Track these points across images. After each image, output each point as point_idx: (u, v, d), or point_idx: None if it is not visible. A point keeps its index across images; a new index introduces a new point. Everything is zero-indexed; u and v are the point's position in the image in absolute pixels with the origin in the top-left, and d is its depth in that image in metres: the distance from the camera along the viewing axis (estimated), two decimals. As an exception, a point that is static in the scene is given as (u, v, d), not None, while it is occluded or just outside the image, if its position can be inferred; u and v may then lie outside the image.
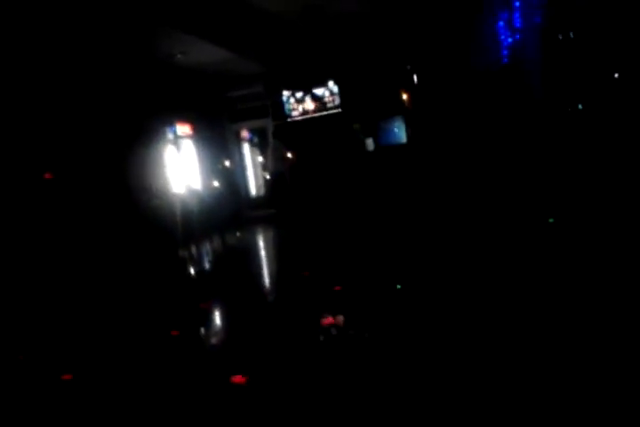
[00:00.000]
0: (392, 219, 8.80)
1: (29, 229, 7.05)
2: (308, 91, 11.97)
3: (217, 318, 4.85)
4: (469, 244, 5.75)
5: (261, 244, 9.75)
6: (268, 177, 12.31)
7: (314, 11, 9.47)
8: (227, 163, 12.39)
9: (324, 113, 11.98)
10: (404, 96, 11.76)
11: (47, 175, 7.54)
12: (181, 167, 10.77)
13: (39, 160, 7.52)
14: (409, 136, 11.79)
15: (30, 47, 7.30)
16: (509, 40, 9.10)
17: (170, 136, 10.39)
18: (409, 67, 11.50)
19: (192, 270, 7.54)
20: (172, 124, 10.36)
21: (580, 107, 7.64)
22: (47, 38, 7.40)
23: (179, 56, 9.38)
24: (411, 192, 10.31)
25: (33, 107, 7.44)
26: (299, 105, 12.05)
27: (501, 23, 9.36)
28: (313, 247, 7.53)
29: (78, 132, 8.16)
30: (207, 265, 7.97)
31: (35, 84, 7.50)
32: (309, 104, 12.02)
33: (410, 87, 11.65)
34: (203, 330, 4.42)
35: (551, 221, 5.75)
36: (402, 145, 11.80)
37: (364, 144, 11.95)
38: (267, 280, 6.27)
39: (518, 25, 8.53)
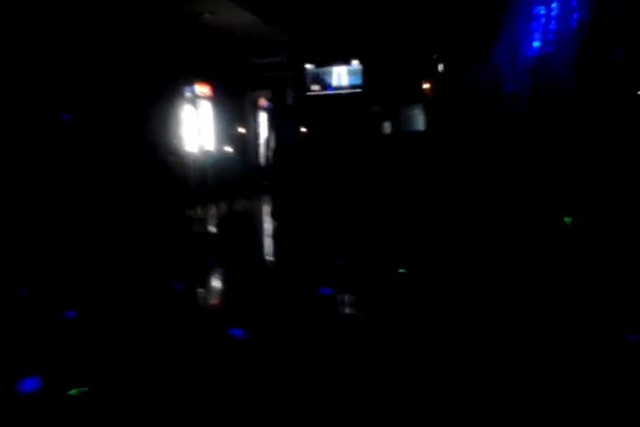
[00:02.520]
0: (402, 204, 8.80)
1: (46, 172, 7.10)
2: (330, 67, 11.89)
3: (216, 277, 4.88)
4: (481, 235, 5.77)
5: (268, 212, 9.78)
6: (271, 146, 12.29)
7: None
8: (241, 129, 12.36)
9: (345, 91, 11.90)
10: (427, 84, 11.69)
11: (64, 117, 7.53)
12: (197, 127, 10.76)
13: (59, 108, 7.54)
14: (428, 124, 11.75)
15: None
16: (542, 32, 8.95)
17: (189, 95, 10.35)
18: (435, 56, 11.41)
19: (200, 230, 7.59)
20: (192, 83, 10.31)
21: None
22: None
23: (206, 15, 9.32)
24: (424, 179, 10.28)
25: (54, 57, 7.42)
26: (319, 80, 11.97)
27: (536, 15, 9.21)
28: (319, 223, 7.58)
29: (99, 83, 8.15)
30: (214, 227, 8.00)
31: (58, 33, 7.47)
32: (331, 80, 11.93)
33: (433, 76, 11.57)
34: (201, 286, 4.48)
35: (568, 220, 5.71)
36: (419, 132, 11.77)
37: (380, 127, 11.91)
38: (269, 247, 6.34)
39: (553, 15, 8.38)
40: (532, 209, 6.48)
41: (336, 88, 11.89)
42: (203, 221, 8.47)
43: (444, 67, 11.32)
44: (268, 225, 8.26)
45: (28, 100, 6.96)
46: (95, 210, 7.44)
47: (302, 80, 11.99)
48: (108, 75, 8.34)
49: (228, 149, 11.45)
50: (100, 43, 8.23)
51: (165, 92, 9.79)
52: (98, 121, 8.07)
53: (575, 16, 7.95)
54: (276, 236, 7.03)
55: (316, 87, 11.97)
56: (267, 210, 10.01)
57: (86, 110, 7.94)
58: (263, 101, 13.14)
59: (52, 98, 7.35)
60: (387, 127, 11.81)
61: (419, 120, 11.89)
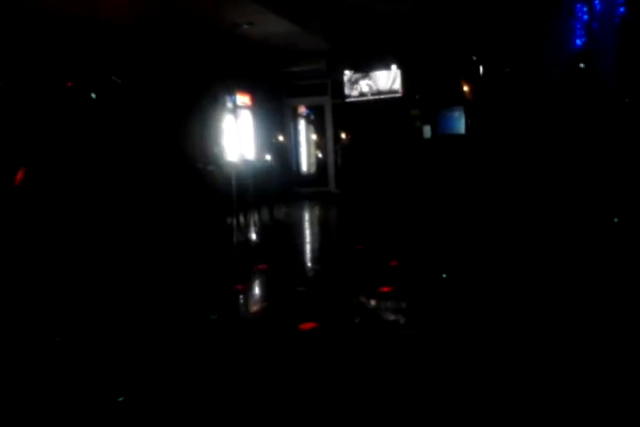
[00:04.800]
0: (447, 208, 8.72)
1: (93, 184, 7.31)
2: (369, 72, 11.85)
3: (270, 281, 4.91)
4: (526, 239, 5.65)
5: (313, 219, 9.81)
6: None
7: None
8: (281, 137, 12.43)
9: (384, 96, 11.85)
10: (467, 87, 11.54)
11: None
12: (237, 137, 10.85)
13: (104, 119, 7.77)
14: (468, 127, 11.59)
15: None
16: (584, 32, 8.73)
17: (229, 105, 10.46)
18: (475, 58, 11.25)
19: (243, 237, 7.65)
20: (232, 93, 10.42)
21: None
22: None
23: (245, 26, 9.38)
24: (468, 183, 10.15)
25: (100, 68, 7.63)
26: (359, 86, 11.95)
27: (578, 15, 8.99)
28: (367, 227, 7.56)
29: (141, 93, 8.33)
30: (256, 234, 8.05)
31: (101, 47, 7.68)
32: (370, 86, 11.90)
33: (473, 78, 11.42)
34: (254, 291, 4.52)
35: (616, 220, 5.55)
36: (460, 135, 11.62)
37: (421, 131, 11.82)
38: (319, 251, 6.38)
39: (596, 14, 8.16)
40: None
41: (375, 93, 11.85)
42: (244, 229, 8.52)
43: (484, 68, 11.16)
44: (311, 231, 8.28)
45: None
46: (136, 218, 7.63)
47: (341, 86, 12.00)
48: (151, 87, 8.52)
49: (268, 157, 11.52)
50: (143, 56, 8.43)
51: (206, 103, 9.94)
52: (141, 132, 8.25)
53: (618, 12, 7.75)
54: (322, 243, 7.04)
55: (355, 93, 11.94)
56: (307, 216, 10.04)
57: (126, 120, 8.14)
58: (302, 109, 13.19)
59: (99, 110, 7.59)
60: (427, 131, 11.70)
61: (460, 123, 11.74)
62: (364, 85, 11.87)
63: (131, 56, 8.28)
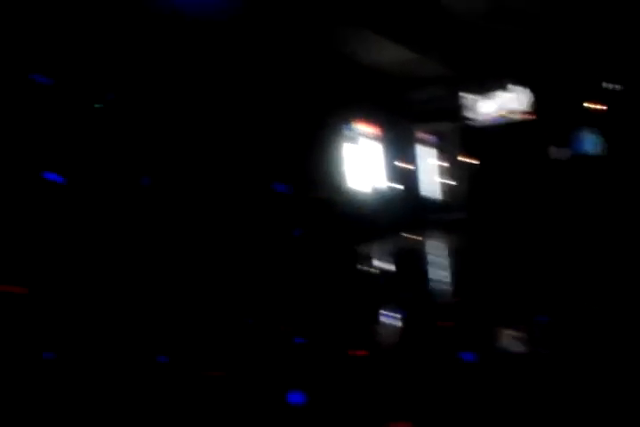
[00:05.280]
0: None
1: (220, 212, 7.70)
2: (495, 95, 11.50)
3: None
4: None
5: (440, 251, 9.42)
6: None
7: (504, 12, 9.06)
8: (403, 164, 12.32)
9: (512, 118, 11.41)
10: (603, 107, 10.80)
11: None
12: (357, 165, 10.94)
13: (229, 145, 8.18)
14: (605, 149, 10.81)
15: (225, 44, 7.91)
16: None
17: (348, 133, 10.59)
18: (609, 75, 10.54)
19: (371, 267, 7.46)
20: (350, 121, 10.56)
21: None
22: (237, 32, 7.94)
23: (362, 54, 9.53)
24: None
25: (221, 98, 8.07)
26: (485, 109, 11.63)
27: None
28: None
29: (259, 121, 8.68)
30: (385, 265, 7.82)
31: (227, 76, 8.13)
32: (496, 108, 11.54)
33: (610, 98, 10.68)
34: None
35: None
36: (598, 157, 10.85)
37: (554, 153, 11.22)
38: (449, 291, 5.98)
39: None
40: None
41: (502, 116, 11.47)
42: (371, 258, 8.39)
43: (623, 86, 10.41)
44: (439, 262, 7.98)
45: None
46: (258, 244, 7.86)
47: (466, 111, 11.74)
48: (266, 113, 8.87)
49: (391, 184, 11.47)
50: (266, 82, 8.81)
51: (328, 131, 10.14)
52: (256, 160, 8.58)
53: None
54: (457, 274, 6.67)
55: (480, 117, 11.64)
56: (436, 245, 9.74)
57: (244, 150, 8.50)
58: (425, 135, 13.02)
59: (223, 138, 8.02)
60: (558, 153, 11.05)
61: (597, 145, 10.98)
62: (491, 108, 11.54)
63: (256, 83, 8.67)
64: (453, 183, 12.45)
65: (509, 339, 3.57)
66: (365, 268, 7.42)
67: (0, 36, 5.75)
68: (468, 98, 11.59)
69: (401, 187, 11.86)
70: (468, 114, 11.67)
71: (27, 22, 5.96)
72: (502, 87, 11.34)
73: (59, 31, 6.44)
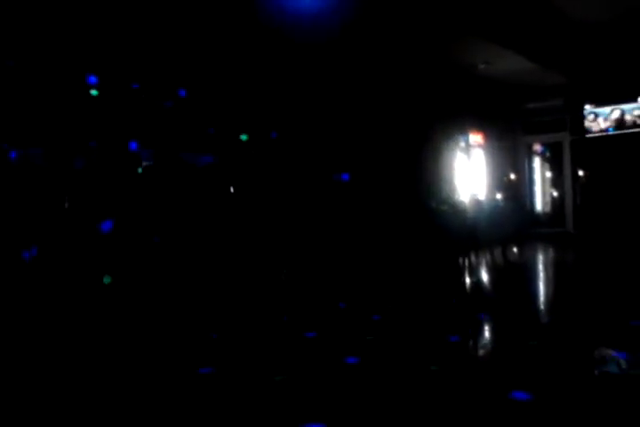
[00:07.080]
0: None
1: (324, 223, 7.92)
2: (615, 106, 11.00)
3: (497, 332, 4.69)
4: None
5: (547, 263, 9.14)
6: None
7: (628, 19, 8.69)
8: (514, 176, 12.07)
9: (633, 130, 10.86)
10: None
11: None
12: (469, 176, 10.82)
13: (337, 162, 8.38)
14: None
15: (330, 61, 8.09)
16: None
17: (462, 144, 10.51)
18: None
19: (470, 279, 7.46)
20: (465, 132, 10.48)
21: None
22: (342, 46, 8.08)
23: (481, 66, 9.42)
24: None
25: (333, 114, 8.29)
26: (602, 120, 11.14)
27: None
28: (609, 276, 6.79)
29: (376, 134, 8.81)
30: (486, 276, 7.77)
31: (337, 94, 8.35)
32: (616, 120, 11.02)
33: None
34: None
35: None
36: None
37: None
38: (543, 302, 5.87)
39: None
40: None
41: (622, 127, 10.93)
42: (475, 269, 8.31)
43: None
44: (544, 275, 7.78)
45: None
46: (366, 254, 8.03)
47: (581, 122, 11.30)
48: (385, 125, 8.98)
49: (500, 196, 11.26)
50: (382, 95, 8.93)
51: (440, 141, 10.12)
52: (373, 172, 8.73)
53: None
54: (557, 292, 6.52)
55: (597, 128, 11.17)
56: (541, 259, 9.45)
57: (362, 163, 8.66)
58: (537, 146, 12.69)
59: (330, 154, 8.26)
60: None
61: None
62: (609, 119, 11.05)
63: (372, 96, 8.81)
64: (565, 197, 12.05)
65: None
66: (467, 278, 7.39)
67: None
68: (585, 108, 11.18)
69: (508, 198, 11.62)
70: (585, 125, 11.24)
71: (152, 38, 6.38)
72: (625, 97, 10.84)
73: (198, 49, 6.83)
